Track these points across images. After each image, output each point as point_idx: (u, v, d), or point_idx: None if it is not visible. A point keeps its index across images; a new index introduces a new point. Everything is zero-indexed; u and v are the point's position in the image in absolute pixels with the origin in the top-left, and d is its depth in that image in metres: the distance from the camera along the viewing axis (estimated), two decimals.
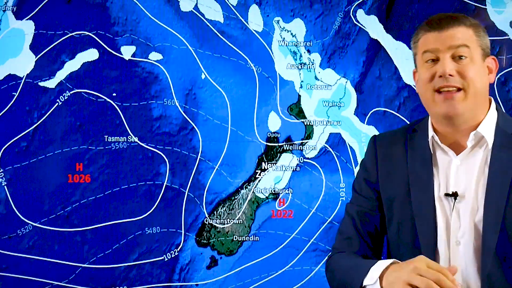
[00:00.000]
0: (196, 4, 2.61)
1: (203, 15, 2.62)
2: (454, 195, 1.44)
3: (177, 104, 2.62)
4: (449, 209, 1.45)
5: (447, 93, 1.44)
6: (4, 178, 2.57)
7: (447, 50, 1.45)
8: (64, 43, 2.58)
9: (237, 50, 2.63)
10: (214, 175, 2.65)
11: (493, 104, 1.52)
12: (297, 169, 2.67)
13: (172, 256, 2.65)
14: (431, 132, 1.54)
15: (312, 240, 2.68)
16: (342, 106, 2.66)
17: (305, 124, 2.67)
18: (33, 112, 2.58)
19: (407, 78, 2.66)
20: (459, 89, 1.44)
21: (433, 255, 1.46)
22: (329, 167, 2.67)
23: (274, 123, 2.66)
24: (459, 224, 1.44)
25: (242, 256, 2.68)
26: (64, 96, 2.58)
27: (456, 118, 1.46)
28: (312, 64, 2.65)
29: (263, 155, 2.67)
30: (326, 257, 1.75)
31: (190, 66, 2.62)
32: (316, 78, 2.65)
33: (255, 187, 2.67)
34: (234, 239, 2.68)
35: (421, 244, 1.47)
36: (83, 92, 2.59)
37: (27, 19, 2.55)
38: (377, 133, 2.67)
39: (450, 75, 1.44)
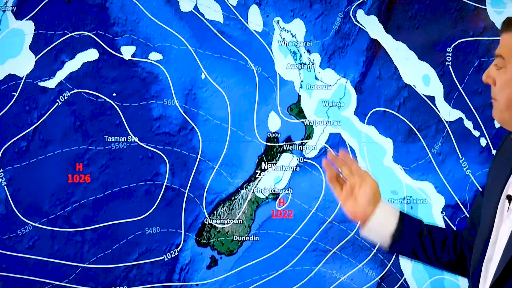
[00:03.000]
0: (196, 4, 2.61)
1: (203, 15, 2.62)
2: (509, 198, 1.41)
3: (177, 104, 2.62)
4: (508, 212, 1.42)
5: None
6: (4, 178, 2.57)
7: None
8: (64, 43, 2.58)
9: (237, 50, 2.63)
10: (214, 175, 2.65)
11: None
12: (297, 169, 2.67)
13: (172, 256, 2.65)
14: None
15: (312, 240, 2.68)
16: (342, 106, 2.66)
17: (305, 124, 2.67)
18: (33, 112, 2.58)
19: (407, 78, 2.66)
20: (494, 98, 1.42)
21: (482, 253, 1.44)
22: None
23: (274, 123, 2.66)
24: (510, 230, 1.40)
25: (242, 256, 2.68)
26: (64, 96, 2.58)
27: (503, 126, 1.44)
28: (312, 64, 2.65)
29: (263, 155, 2.67)
30: None
31: (190, 66, 2.62)
32: (316, 78, 2.65)
33: (255, 187, 2.67)
34: (234, 239, 2.68)
35: (477, 238, 1.47)
36: (83, 92, 2.59)
37: (27, 19, 2.55)
38: (377, 133, 2.67)
39: (486, 83, 1.43)
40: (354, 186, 1.60)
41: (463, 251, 1.63)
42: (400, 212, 1.63)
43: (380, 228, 1.59)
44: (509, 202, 1.40)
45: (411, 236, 1.60)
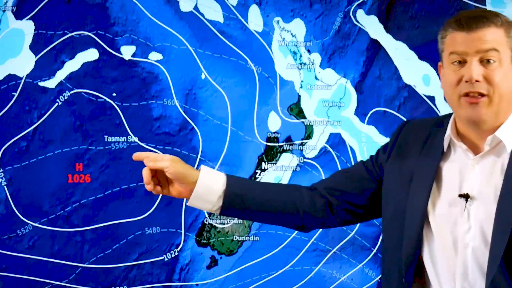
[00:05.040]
0: (196, 4, 2.62)
1: (203, 15, 2.62)
2: (466, 196, 1.43)
3: (177, 104, 2.62)
4: (461, 210, 1.44)
5: (472, 98, 1.42)
6: (4, 178, 2.57)
7: (475, 54, 1.41)
8: (64, 43, 2.58)
9: (237, 50, 2.63)
10: None
11: None
12: (297, 169, 2.67)
13: (172, 256, 2.65)
14: (448, 131, 1.52)
15: (312, 240, 2.68)
16: (342, 106, 2.66)
17: (305, 124, 2.67)
18: (33, 112, 2.58)
19: (407, 78, 2.66)
20: (484, 94, 1.42)
21: (415, 253, 1.45)
22: (329, 167, 2.67)
23: (274, 123, 2.66)
24: (468, 226, 1.42)
25: (242, 256, 2.68)
26: (64, 96, 2.59)
27: (480, 123, 1.44)
28: (312, 64, 2.65)
29: (263, 155, 2.67)
30: None
31: (190, 66, 2.63)
32: (316, 78, 2.65)
33: None
34: (234, 239, 2.68)
35: (405, 239, 1.47)
36: (83, 92, 2.59)
37: (27, 19, 2.55)
38: (377, 133, 2.67)
39: (477, 80, 1.42)
40: (163, 175, 1.64)
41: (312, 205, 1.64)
42: (226, 175, 1.62)
43: (205, 193, 1.61)
44: (466, 201, 1.42)
45: (240, 196, 1.59)
